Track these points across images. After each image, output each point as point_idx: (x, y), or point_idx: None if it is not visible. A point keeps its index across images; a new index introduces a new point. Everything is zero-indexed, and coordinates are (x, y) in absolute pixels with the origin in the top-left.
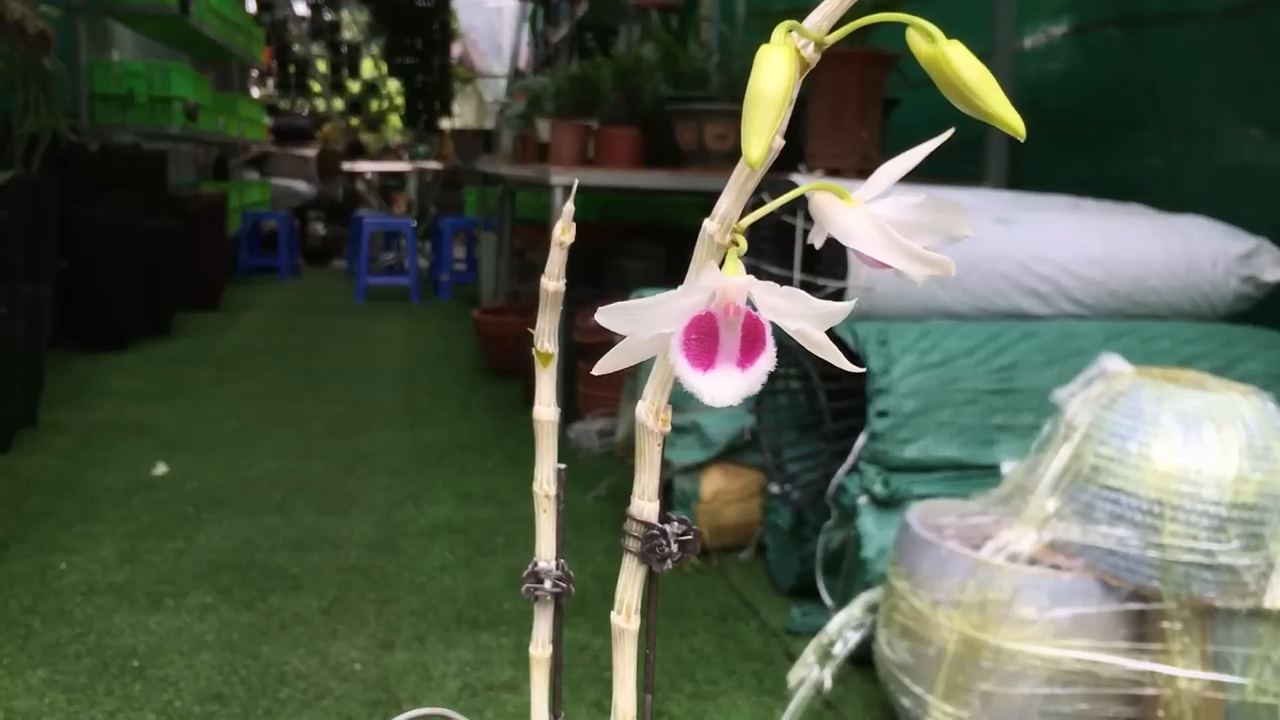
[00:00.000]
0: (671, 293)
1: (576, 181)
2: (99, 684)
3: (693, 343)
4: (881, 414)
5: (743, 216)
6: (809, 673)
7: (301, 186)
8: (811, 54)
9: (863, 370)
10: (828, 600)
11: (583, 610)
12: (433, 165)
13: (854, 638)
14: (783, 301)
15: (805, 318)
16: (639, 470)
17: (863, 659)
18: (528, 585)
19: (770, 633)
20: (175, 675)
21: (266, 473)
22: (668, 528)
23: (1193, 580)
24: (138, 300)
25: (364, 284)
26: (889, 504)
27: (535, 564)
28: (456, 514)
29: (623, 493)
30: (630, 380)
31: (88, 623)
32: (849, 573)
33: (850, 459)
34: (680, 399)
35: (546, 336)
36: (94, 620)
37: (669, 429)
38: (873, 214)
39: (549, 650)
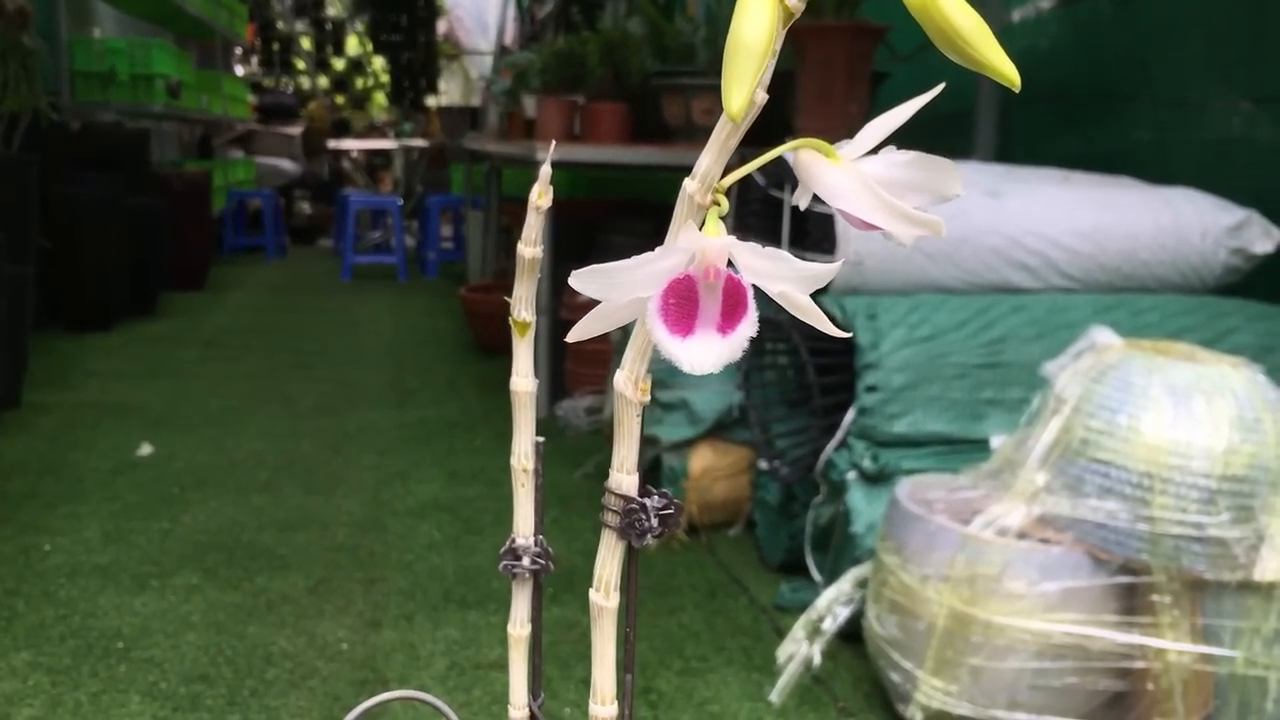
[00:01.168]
0: (649, 254)
1: (553, 144)
2: (83, 665)
3: (671, 307)
4: (870, 389)
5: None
6: (798, 648)
7: (287, 165)
8: (796, 3)
9: (848, 335)
10: (817, 576)
11: (571, 588)
12: (419, 143)
13: (843, 613)
14: (766, 263)
15: (789, 280)
16: (617, 442)
17: (852, 634)
18: (506, 563)
19: (759, 609)
20: (160, 656)
21: (253, 452)
22: (648, 501)
23: (1182, 553)
24: (122, 280)
25: (350, 263)
26: (878, 479)
27: (513, 540)
28: (444, 492)
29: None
30: (616, 357)
31: (72, 604)
32: (838, 548)
33: (839, 434)
34: (669, 374)
35: (524, 305)
36: (78, 602)
37: (649, 399)
38: (860, 172)
39: (528, 629)
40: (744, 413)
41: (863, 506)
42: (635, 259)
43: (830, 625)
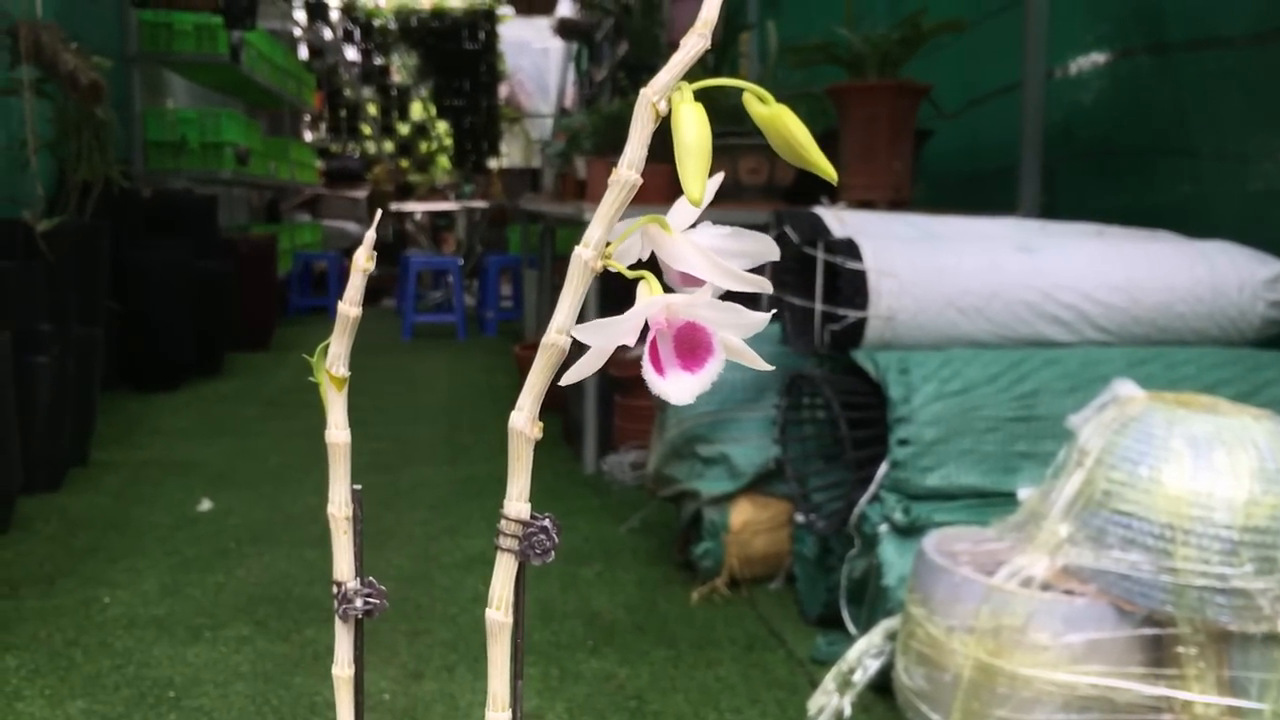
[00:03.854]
0: (625, 314)
1: (380, 212)
2: (135, 714)
3: (651, 353)
4: (903, 442)
5: (610, 239)
6: (829, 700)
7: (352, 227)
8: (663, 108)
9: (770, 368)
10: (852, 629)
11: (611, 641)
12: (479, 204)
13: (874, 665)
14: (712, 313)
15: (729, 326)
16: (512, 474)
17: (883, 687)
18: (343, 607)
19: (796, 662)
20: (209, 705)
21: (308, 508)
22: (547, 523)
23: (1206, 604)
24: (189, 341)
25: (411, 322)
26: (910, 532)
27: (342, 585)
28: (491, 547)
29: (655, 525)
30: (660, 414)
31: (128, 654)
32: (872, 601)
33: (872, 487)
34: (710, 430)
35: (340, 361)
36: (134, 652)
37: (541, 435)
38: (693, 241)
39: (352, 669)
40: (782, 466)
41: (895, 559)
42: (617, 317)
43: (861, 677)
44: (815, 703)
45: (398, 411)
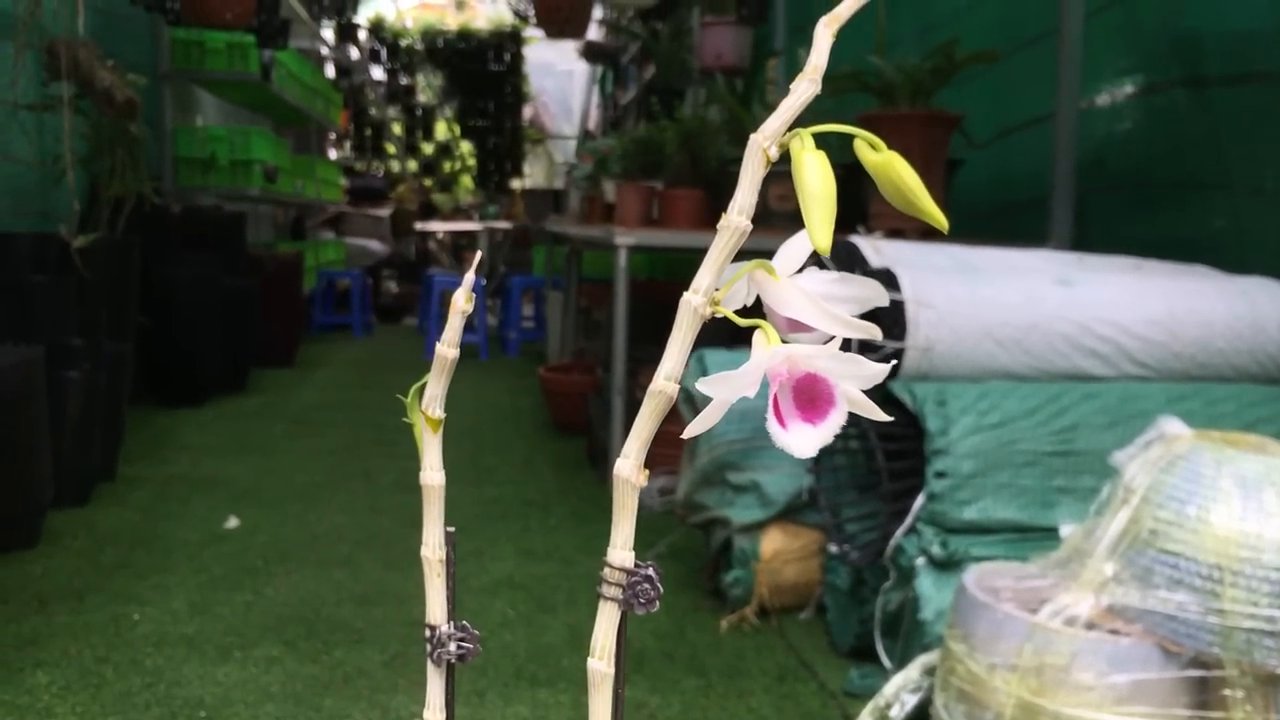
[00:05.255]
0: (746, 365)
1: (479, 254)
2: None
3: (774, 405)
4: (940, 475)
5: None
6: None
7: (375, 246)
8: (774, 153)
9: (890, 419)
10: (886, 662)
11: (641, 668)
12: (502, 225)
13: (911, 700)
14: (833, 364)
15: (849, 377)
16: (618, 521)
17: None
18: (438, 651)
19: (829, 694)
20: None
21: (335, 527)
22: (650, 572)
23: (1255, 647)
24: (216, 357)
25: (434, 341)
26: (947, 565)
27: (436, 630)
28: (518, 570)
29: (683, 551)
30: (690, 440)
31: (158, 673)
32: (907, 635)
33: (908, 520)
34: (740, 457)
35: (437, 403)
36: (164, 670)
37: (646, 483)
38: (800, 287)
39: (444, 714)
40: (814, 496)
41: (931, 593)
42: (742, 368)
43: (898, 713)
44: None
45: None
